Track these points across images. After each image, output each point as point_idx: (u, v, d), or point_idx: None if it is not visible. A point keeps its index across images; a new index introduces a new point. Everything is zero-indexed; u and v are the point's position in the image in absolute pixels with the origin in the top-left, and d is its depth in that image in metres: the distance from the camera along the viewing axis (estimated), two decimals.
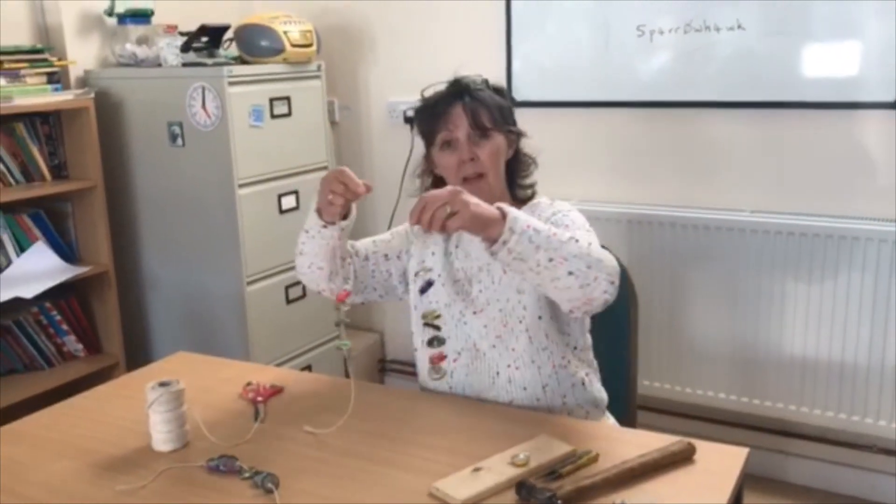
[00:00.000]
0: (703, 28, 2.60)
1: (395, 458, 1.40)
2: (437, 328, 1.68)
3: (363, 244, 1.80)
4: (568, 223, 1.59)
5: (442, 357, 1.67)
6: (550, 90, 2.88)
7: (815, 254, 2.47)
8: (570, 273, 1.40)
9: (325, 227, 1.62)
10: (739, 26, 2.54)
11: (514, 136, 1.71)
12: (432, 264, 1.72)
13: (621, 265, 1.88)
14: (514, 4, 2.89)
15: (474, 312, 1.65)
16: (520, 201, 1.71)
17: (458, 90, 1.66)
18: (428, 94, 1.71)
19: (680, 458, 1.32)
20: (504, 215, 1.38)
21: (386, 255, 1.79)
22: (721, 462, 1.34)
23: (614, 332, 1.89)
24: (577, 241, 1.42)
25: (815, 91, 2.49)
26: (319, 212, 1.63)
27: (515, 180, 1.72)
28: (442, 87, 1.69)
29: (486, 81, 1.70)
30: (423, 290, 1.71)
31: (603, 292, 1.43)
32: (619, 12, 2.72)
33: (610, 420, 1.74)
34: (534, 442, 1.38)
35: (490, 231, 1.38)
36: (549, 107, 2.89)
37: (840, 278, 2.45)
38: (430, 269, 1.72)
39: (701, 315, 2.67)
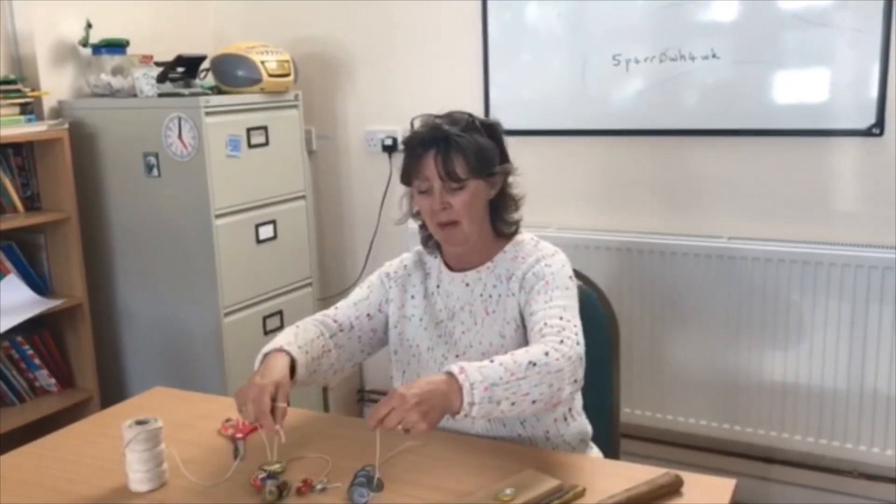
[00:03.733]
0: (677, 57, 2.62)
1: (377, 495, 1.37)
2: None
3: (345, 313, 1.72)
4: (548, 278, 1.58)
5: None
6: (528, 119, 2.89)
7: (793, 280, 2.49)
8: (534, 402, 1.40)
9: None
10: (714, 55, 2.57)
11: (500, 176, 1.66)
12: (412, 309, 1.71)
13: (601, 294, 1.89)
14: (490, 34, 2.91)
15: (457, 356, 1.63)
16: (504, 237, 1.68)
17: (435, 136, 1.59)
18: (417, 123, 1.65)
19: (667, 492, 1.31)
20: (458, 381, 1.34)
21: (368, 315, 1.73)
22: (708, 494, 1.33)
23: (596, 361, 1.86)
24: (534, 364, 1.39)
25: (789, 119, 2.53)
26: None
27: (499, 217, 1.67)
28: (430, 119, 1.64)
29: (472, 122, 1.63)
30: None
31: (569, 392, 1.46)
32: (594, 42, 2.74)
33: (595, 452, 1.72)
34: (520, 477, 1.36)
35: (451, 406, 1.34)
36: (526, 135, 2.89)
37: (818, 304, 2.47)
38: (410, 317, 1.70)
39: (681, 342, 2.68)
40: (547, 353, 1.41)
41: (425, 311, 1.69)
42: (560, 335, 1.46)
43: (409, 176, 1.63)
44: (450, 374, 1.36)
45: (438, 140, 1.58)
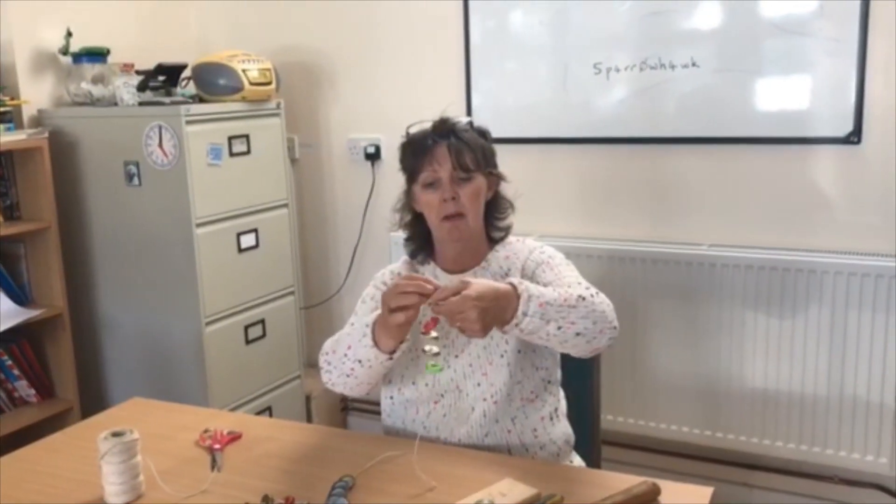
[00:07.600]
0: (658, 66, 2.64)
1: None
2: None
3: None
4: (548, 260, 1.66)
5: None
6: (509, 127, 2.89)
7: (773, 287, 2.50)
8: (578, 334, 1.46)
9: (389, 358, 1.55)
10: (694, 64, 2.59)
11: (495, 178, 1.72)
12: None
13: None
14: (472, 42, 2.92)
15: (456, 356, 1.65)
16: (493, 241, 1.73)
17: (445, 130, 1.67)
18: (413, 130, 1.70)
19: (645, 500, 1.31)
20: (517, 292, 1.43)
21: None
22: (686, 502, 1.33)
23: (578, 368, 1.88)
24: (583, 298, 1.47)
25: (769, 127, 2.54)
26: (376, 342, 1.54)
27: (492, 221, 1.73)
28: (427, 125, 1.69)
29: (470, 123, 1.72)
30: None
31: (608, 340, 1.51)
32: (576, 50, 2.75)
33: (576, 460, 1.73)
34: (498, 486, 1.36)
35: (505, 315, 1.42)
36: (508, 143, 2.86)
37: (798, 311, 2.48)
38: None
39: (663, 349, 2.68)
40: (592, 295, 1.50)
41: (423, 314, 1.68)
42: (590, 289, 1.53)
43: (416, 169, 1.67)
44: (511, 285, 1.44)
45: (448, 133, 1.66)
